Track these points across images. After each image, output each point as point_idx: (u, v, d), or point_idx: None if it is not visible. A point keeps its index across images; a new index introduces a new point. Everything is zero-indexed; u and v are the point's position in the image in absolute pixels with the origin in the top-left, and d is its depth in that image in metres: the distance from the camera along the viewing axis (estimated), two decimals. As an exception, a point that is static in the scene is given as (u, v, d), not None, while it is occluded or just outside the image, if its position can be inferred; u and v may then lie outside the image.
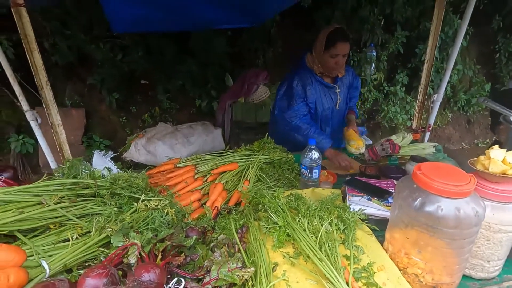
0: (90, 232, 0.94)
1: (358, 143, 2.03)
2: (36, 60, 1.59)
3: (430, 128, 2.33)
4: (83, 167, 1.26)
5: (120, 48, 3.77)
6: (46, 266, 0.73)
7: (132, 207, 1.09)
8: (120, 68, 3.76)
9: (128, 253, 0.79)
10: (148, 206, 1.14)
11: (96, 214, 1.04)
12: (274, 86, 3.97)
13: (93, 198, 1.08)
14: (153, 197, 1.19)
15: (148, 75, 4.07)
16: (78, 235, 0.94)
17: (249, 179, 1.60)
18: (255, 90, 3.64)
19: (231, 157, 1.75)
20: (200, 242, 1.11)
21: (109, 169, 1.40)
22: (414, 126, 2.40)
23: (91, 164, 1.72)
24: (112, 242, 0.89)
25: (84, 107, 3.93)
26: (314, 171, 1.57)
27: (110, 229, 0.91)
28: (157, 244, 0.90)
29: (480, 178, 1.00)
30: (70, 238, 0.88)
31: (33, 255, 0.78)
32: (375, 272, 0.98)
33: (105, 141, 3.92)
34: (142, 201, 1.13)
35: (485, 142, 5.65)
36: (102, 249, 0.88)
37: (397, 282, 0.94)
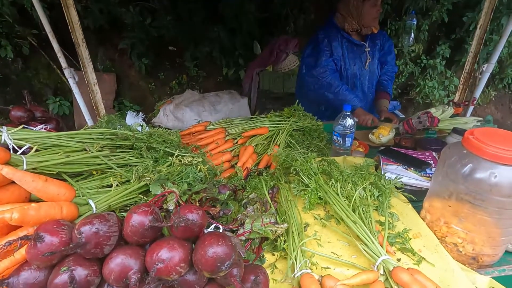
0: (130, 181, 0.98)
1: (379, 131, 1.86)
2: (73, 17, 1.60)
3: (475, 102, 2.15)
4: (120, 124, 1.29)
5: (149, 12, 3.72)
6: (93, 205, 0.77)
7: (168, 161, 1.11)
8: (149, 33, 3.73)
9: (167, 200, 0.81)
10: (182, 161, 1.16)
11: (134, 165, 1.08)
12: (303, 55, 3.81)
13: (131, 150, 1.12)
14: (187, 154, 1.21)
15: (176, 41, 4.03)
16: (119, 182, 0.98)
17: (279, 144, 1.58)
18: (284, 59, 3.52)
19: (260, 122, 1.72)
20: (232, 199, 1.13)
21: (142, 126, 1.44)
22: (456, 99, 2.23)
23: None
24: (150, 190, 0.92)
25: (115, 72, 4.01)
26: (347, 138, 1.52)
27: (149, 178, 0.94)
28: (193, 195, 0.92)
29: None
30: (113, 183, 0.92)
31: (79, 196, 0.82)
32: (410, 239, 0.95)
33: (135, 106, 4.02)
34: (176, 156, 1.15)
35: (532, 124, 5.20)
36: (142, 196, 0.92)
37: (434, 249, 0.91)
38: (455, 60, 4.60)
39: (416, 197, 1.18)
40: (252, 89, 3.64)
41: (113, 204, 0.83)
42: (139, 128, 1.34)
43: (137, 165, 1.06)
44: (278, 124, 1.72)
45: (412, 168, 1.31)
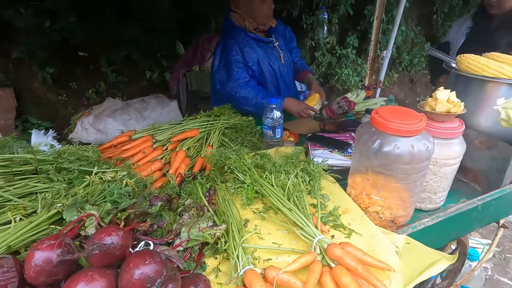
0: (37, 211, 0.83)
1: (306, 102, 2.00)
2: None
3: (381, 84, 2.46)
4: (19, 146, 1.09)
5: (47, 13, 3.23)
6: (-16, 251, 0.63)
7: (85, 181, 0.98)
8: (50, 37, 3.24)
9: (85, 225, 0.72)
10: (104, 178, 1.04)
11: (42, 192, 0.92)
12: (229, 52, 3.81)
13: (36, 175, 0.95)
14: (108, 169, 1.09)
15: (86, 45, 3.61)
16: (23, 216, 0.83)
17: (212, 144, 1.55)
18: (210, 57, 3.47)
19: (190, 124, 1.66)
20: (167, 209, 1.07)
21: (51, 146, 1.25)
22: (366, 84, 2.51)
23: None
24: (64, 217, 0.80)
25: (12, 85, 3.39)
26: (276, 130, 1.57)
27: (61, 204, 0.82)
28: (118, 214, 0.83)
29: (428, 119, 1.08)
30: (12, 220, 0.77)
31: (-34, 242, 0.67)
32: (340, 215, 1.03)
33: (45, 123, 3.49)
34: (95, 173, 1.03)
35: (426, 99, 6.20)
36: (54, 226, 0.79)
37: (360, 220, 1.01)
38: (362, 48, 5.19)
39: (342, 175, 1.29)
40: (181, 91, 3.51)
41: (15, 243, 0.69)
42: (45, 148, 1.16)
43: (47, 191, 0.91)
44: (208, 124, 1.68)
45: (336, 150, 1.43)
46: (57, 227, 0.79)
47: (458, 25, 2.13)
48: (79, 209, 0.81)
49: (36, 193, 0.92)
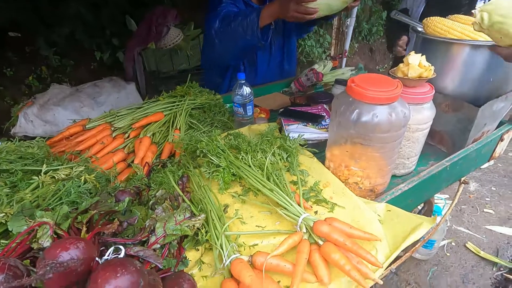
0: (-26, 225, 0.69)
1: None
2: None
3: (346, 54, 2.44)
4: None
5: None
6: None
7: (33, 182, 0.84)
8: (-30, 17, 2.73)
9: (37, 236, 0.60)
10: (56, 177, 0.90)
11: (-22, 201, 0.77)
12: (186, 27, 3.54)
13: (-33, 183, 0.79)
14: (61, 166, 0.95)
15: (18, 24, 3.10)
16: (-45, 233, 0.68)
17: (179, 127, 1.43)
18: (166, 33, 3.19)
19: (152, 107, 1.51)
20: (136, 203, 0.97)
21: (-15, 145, 1.05)
22: (332, 54, 2.48)
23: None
24: (10, 229, 0.67)
25: None
26: (247, 107, 1.49)
27: (3, 214, 0.68)
28: (79, 216, 0.72)
29: (400, 85, 1.07)
30: None
31: None
32: (321, 189, 1.01)
33: (-21, 118, 3.03)
34: (45, 172, 0.88)
35: (385, 67, 6.43)
36: (-2, 241, 0.66)
37: (341, 193, 1.00)
38: (324, 19, 5.14)
39: (319, 149, 1.27)
40: (138, 72, 3.22)
41: None
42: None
43: (-16, 200, 0.76)
44: (173, 106, 1.55)
45: (310, 123, 1.39)
46: (3, 241, 0.67)
47: None
48: (27, 217, 0.68)
49: (-29, 203, 0.76)
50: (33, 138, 1.25)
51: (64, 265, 0.42)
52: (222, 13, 1.65)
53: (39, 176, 0.86)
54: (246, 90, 1.45)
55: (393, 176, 1.20)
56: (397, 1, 5.93)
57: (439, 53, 1.26)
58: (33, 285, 0.44)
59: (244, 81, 1.45)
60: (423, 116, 1.08)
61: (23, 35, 3.23)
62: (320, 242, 0.78)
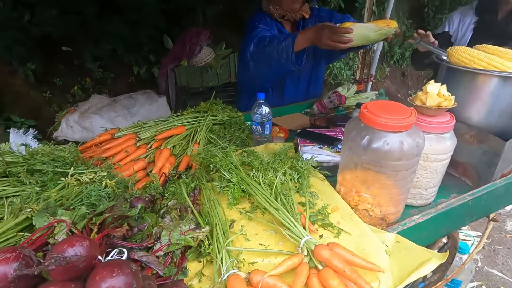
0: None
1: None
2: None
3: (372, 78, 2.43)
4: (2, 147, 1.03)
5: (25, 6, 3.09)
6: None
7: (60, 183, 0.93)
8: (30, 31, 3.10)
9: (55, 232, 0.67)
10: (81, 180, 0.99)
11: (13, 196, 0.86)
12: (218, 46, 3.73)
13: (6, 179, 0.89)
14: (86, 170, 1.04)
15: (70, 40, 3.48)
16: (-11, 222, 0.77)
17: (199, 141, 1.50)
18: (199, 52, 3.39)
19: (176, 121, 1.60)
20: (149, 211, 1.02)
21: (27, 146, 1.18)
22: (357, 78, 2.48)
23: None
24: (34, 223, 0.74)
25: (-9, 83, 3.26)
26: (265, 126, 1.53)
27: (30, 209, 0.76)
28: (94, 218, 0.78)
29: (418, 113, 1.05)
30: (-25, 227, 0.71)
31: None
32: (329, 213, 1.00)
33: (28, 121, 3.37)
34: (71, 175, 0.97)
35: (417, 92, 6.22)
36: (23, 234, 0.74)
37: (349, 219, 0.98)
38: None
39: (332, 172, 1.26)
40: (170, 87, 3.43)
41: (-24, 253, 0.64)
42: (21, 148, 1.10)
43: (18, 195, 0.85)
44: (195, 121, 1.63)
45: (326, 146, 1.39)
46: (26, 234, 0.74)
47: (459, 17, 2.04)
48: (50, 214, 0.76)
49: (7, 197, 0.86)
50: (73, 142, 1.38)
51: (67, 260, 0.47)
52: (257, 37, 1.73)
53: (66, 178, 0.95)
54: (265, 109, 1.50)
55: (410, 206, 1.16)
56: (433, 27, 5.82)
57: (464, 83, 1.23)
58: (41, 274, 0.49)
59: (263, 101, 1.49)
60: (442, 146, 1.04)
61: (73, 49, 3.61)
62: (320, 267, 0.77)
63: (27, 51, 3.22)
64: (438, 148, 1.04)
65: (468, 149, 1.22)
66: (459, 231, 2.55)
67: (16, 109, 3.39)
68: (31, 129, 1.96)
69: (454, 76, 1.26)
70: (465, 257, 1.82)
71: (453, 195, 1.21)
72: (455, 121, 1.04)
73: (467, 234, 2.16)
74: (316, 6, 2.32)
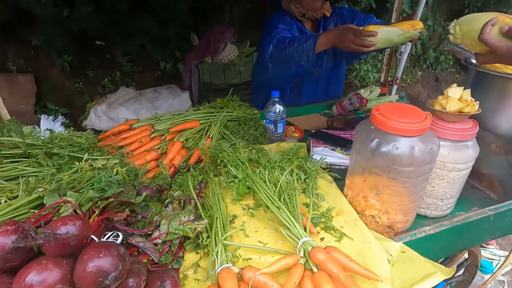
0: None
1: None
2: None
3: (397, 81, 2.32)
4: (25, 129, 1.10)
5: (65, 2, 3.31)
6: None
7: (74, 167, 0.98)
8: (67, 26, 3.32)
9: (60, 212, 0.71)
10: (94, 165, 1.04)
11: (31, 176, 0.93)
12: (242, 44, 3.75)
13: (26, 159, 0.96)
14: (100, 157, 1.09)
15: (103, 34, 3.67)
16: (8, 198, 0.83)
17: (212, 136, 1.52)
18: (223, 49, 3.43)
19: (192, 115, 1.64)
20: (155, 200, 1.05)
21: (51, 131, 1.26)
22: (382, 80, 2.38)
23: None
24: (45, 202, 0.79)
25: (32, 72, 3.52)
26: (278, 125, 1.51)
27: (43, 189, 0.81)
28: (99, 201, 0.82)
29: (437, 118, 0.99)
30: (-6, 201, 0.77)
31: None
32: (333, 217, 0.97)
33: (62, 109, 3.60)
34: (85, 160, 1.02)
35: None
36: (34, 211, 0.79)
37: (354, 224, 0.94)
38: (383, 43, 4.95)
39: (343, 176, 1.22)
40: (193, 82, 3.50)
41: (-9, 225, 0.69)
42: (46, 133, 1.17)
43: (35, 176, 0.92)
44: (210, 116, 1.65)
45: (339, 148, 1.35)
46: (37, 211, 0.79)
47: None
48: (60, 195, 0.80)
49: (26, 176, 0.92)
50: (99, 131, 1.45)
51: (57, 237, 0.50)
52: (276, 38, 1.71)
53: (80, 163, 1.00)
54: (279, 108, 1.48)
55: (424, 217, 1.09)
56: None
57: (494, 89, 1.14)
58: (38, 249, 0.53)
59: (277, 99, 1.48)
60: (462, 155, 0.97)
61: (105, 44, 3.80)
62: (315, 270, 0.75)
63: (65, 44, 3.45)
64: (457, 157, 0.97)
65: (494, 160, 1.14)
66: (484, 249, 2.37)
67: (52, 98, 3.65)
68: (60, 116, 2.10)
69: (483, 81, 1.18)
70: (487, 276, 1.69)
71: (474, 209, 1.12)
72: (478, 128, 0.97)
73: (493, 253, 2.00)
74: (346, 6, 2.25)
